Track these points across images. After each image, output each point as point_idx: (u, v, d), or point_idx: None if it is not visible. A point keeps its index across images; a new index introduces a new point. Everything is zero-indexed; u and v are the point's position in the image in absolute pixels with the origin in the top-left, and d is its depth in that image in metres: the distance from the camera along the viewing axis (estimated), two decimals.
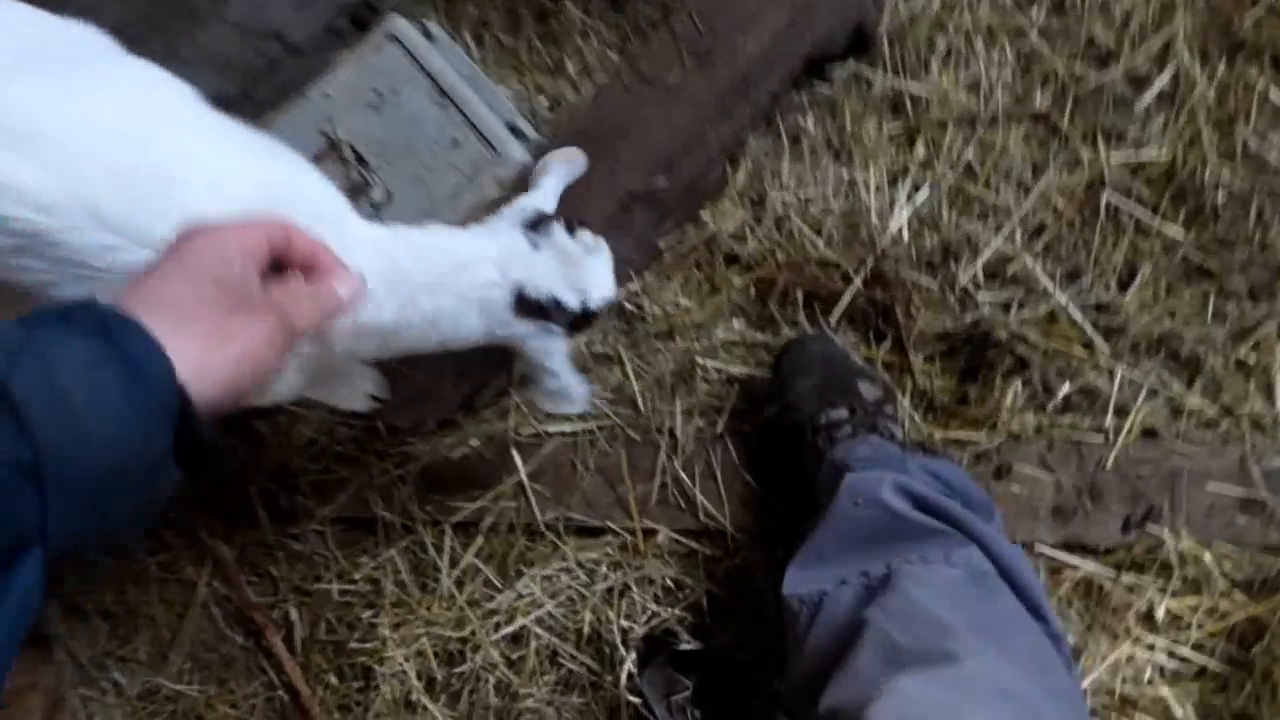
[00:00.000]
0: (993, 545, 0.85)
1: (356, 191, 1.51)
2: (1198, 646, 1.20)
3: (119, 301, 0.53)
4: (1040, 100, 1.44)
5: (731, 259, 1.45)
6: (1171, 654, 1.20)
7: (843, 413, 1.20)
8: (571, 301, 1.04)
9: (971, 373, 1.33)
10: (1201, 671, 1.20)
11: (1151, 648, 1.20)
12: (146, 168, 0.80)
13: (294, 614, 1.58)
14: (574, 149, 1.26)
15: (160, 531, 1.64)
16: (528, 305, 1.02)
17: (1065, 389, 1.26)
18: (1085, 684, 1.19)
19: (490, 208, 1.44)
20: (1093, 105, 1.42)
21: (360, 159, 1.51)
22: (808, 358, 1.26)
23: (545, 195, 1.17)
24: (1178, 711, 1.18)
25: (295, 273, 0.65)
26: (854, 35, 1.40)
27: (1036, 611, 0.81)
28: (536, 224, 1.06)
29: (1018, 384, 1.28)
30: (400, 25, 1.53)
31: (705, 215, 1.46)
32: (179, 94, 0.92)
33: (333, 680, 1.56)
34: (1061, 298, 1.29)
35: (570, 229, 1.07)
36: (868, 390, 1.24)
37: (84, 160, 0.76)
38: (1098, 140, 1.39)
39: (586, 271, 1.05)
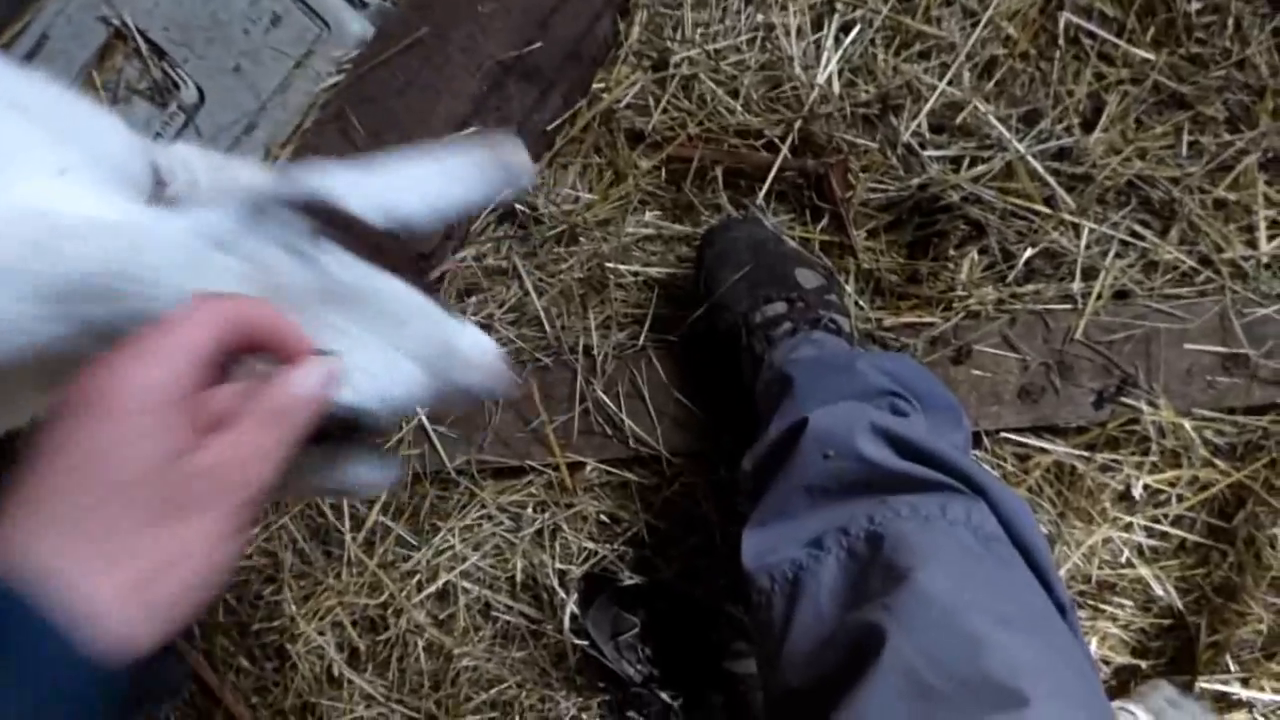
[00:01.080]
0: (995, 496, 0.70)
1: (161, 92, 1.21)
2: (1177, 521, 1.11)
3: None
4: None
5: (635, 136, 1.22)
6: (1150, 532, 1.11)
7: (780, 307, 1.02)
8: None
9: (921, 245, 1.16)
10: (1181, 545, 1.11)
11: (1129, 528, 1.11)
12: None
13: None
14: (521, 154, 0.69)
15: None
16: None
17: (1027, 253, 1.10)
18: (1061, 573, 1.10)
19: (329, 97, 1.17)
20: None
21: (158, 50, 1.20)
22: (734, 246, 1.06)
23: (366, 185, 0.61)
24: (1158, 590, 1.11)
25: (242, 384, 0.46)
26: None
27: (1044, 578, 0.67)
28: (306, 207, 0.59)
29: (974, 253, 1.11)
30: None
31: (597, 85, 1.21)
32: None
33: (244, 664, 1.40)
34: (1019, 146, 1.11)
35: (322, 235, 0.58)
36: (806, 277, 1.06)
37: None
38: None
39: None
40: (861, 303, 1.15)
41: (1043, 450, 1.11)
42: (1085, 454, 1.10)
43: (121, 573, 0.39)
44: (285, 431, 0.45)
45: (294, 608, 1.31)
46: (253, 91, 1.17)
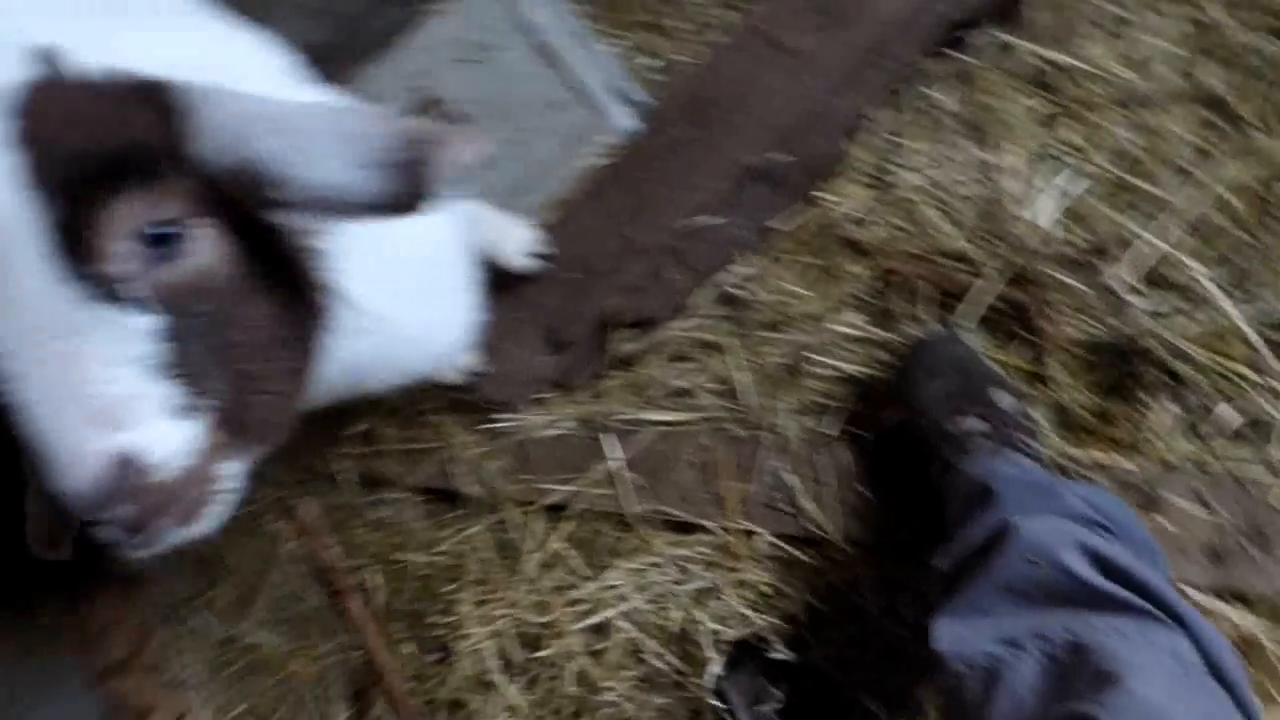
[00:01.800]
0: (1197, 630, 0.75)
1: None
2: None
3: None
4: (1212, 78, 1.27)
5: (850, 245, 1.34)
6: None
7: (976, 422, 1.10)
8: None
9: (1118, 389, 1.20)
10: None
11: None
12: None
13: (375, 580, 1.56)
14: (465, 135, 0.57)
15: (253, 476, 1.64)
16: None
17: (1229, 416, 1.13)
18: None
19: (592, 175, 1.36)
20: (1273, 85, 1.25)
21: (457, 119, 1.42)
22: (937, 359, 1.15)
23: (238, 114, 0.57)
24: None
25: None
26: (1001, 1, 1.25)
27: (1246, 713, 0.71)
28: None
29: (1172, 405, 1.15)
30: None
31: (823, 195, 1.34)
32: None
33: (410, 649, 1.55)
34: (1231, 310, 1.15)
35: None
36: (1004, 399, 1.13)
37: None
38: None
39: None
40: (1050, 433, 1.20)
41: (1227, 618, 1.11)
42: (1272, 626, 1.09)
43: None
44: None
45: (469, 608, 1.46)
46: (528, 163, 1.38)
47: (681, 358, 1.38)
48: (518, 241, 1.28)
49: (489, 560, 1.47)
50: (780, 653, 1.29)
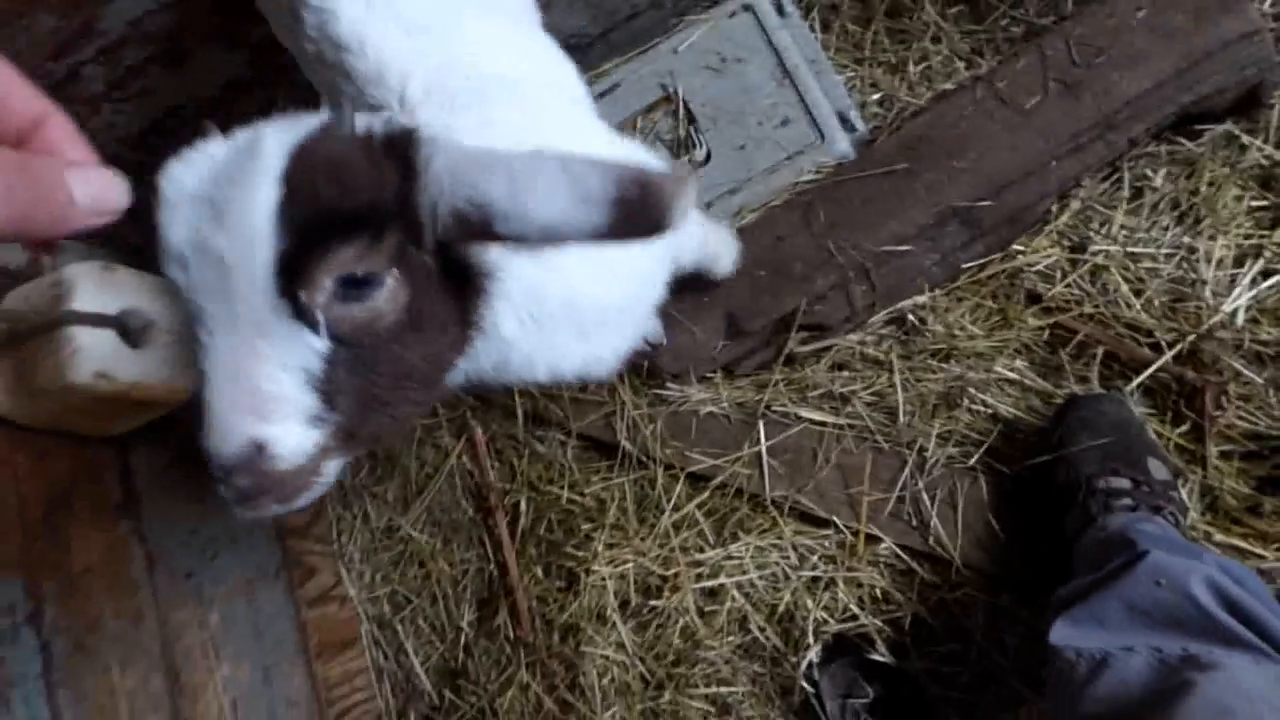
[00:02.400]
0: None
1: (681, 146, 1.61)
2: None
3: None
4: None
5: (1032, 298, 1.41)
6: None
7: (1125, 483, 1.15)
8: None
9: (1273, 483, 1.22)
10: None
11: None
12: None
13: (523, 505, 1.76)
14: (679, 179, 0.62)
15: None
16: None
17: None
18: None
19: (795, 190, 1.49)
20: None
21: (691, 117, 1.60)
22: (1099, 418, 1.21)
23: (468, 155, 0.65)
24: None
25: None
26: (1244, 96, 1.29)
27: None
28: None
29: None
30: None
31: (1016, 246, 1.42)
32: None
33: (539, 573, 1.73)
34: None
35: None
36: (1156, 468, 1.18)
37: None
38: None
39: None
40: (1196, 512, 1.23)
41: None
42: None
43: None
44: (15, 204, 0.38)
45: (601, 548, 1.62)
46: (747, 167, 1.53)
47: (844, 367, 1.49)
48: (729, 256, 1.42)
49: (628, 510, 1.63)
50: (880, 654, 1.38)
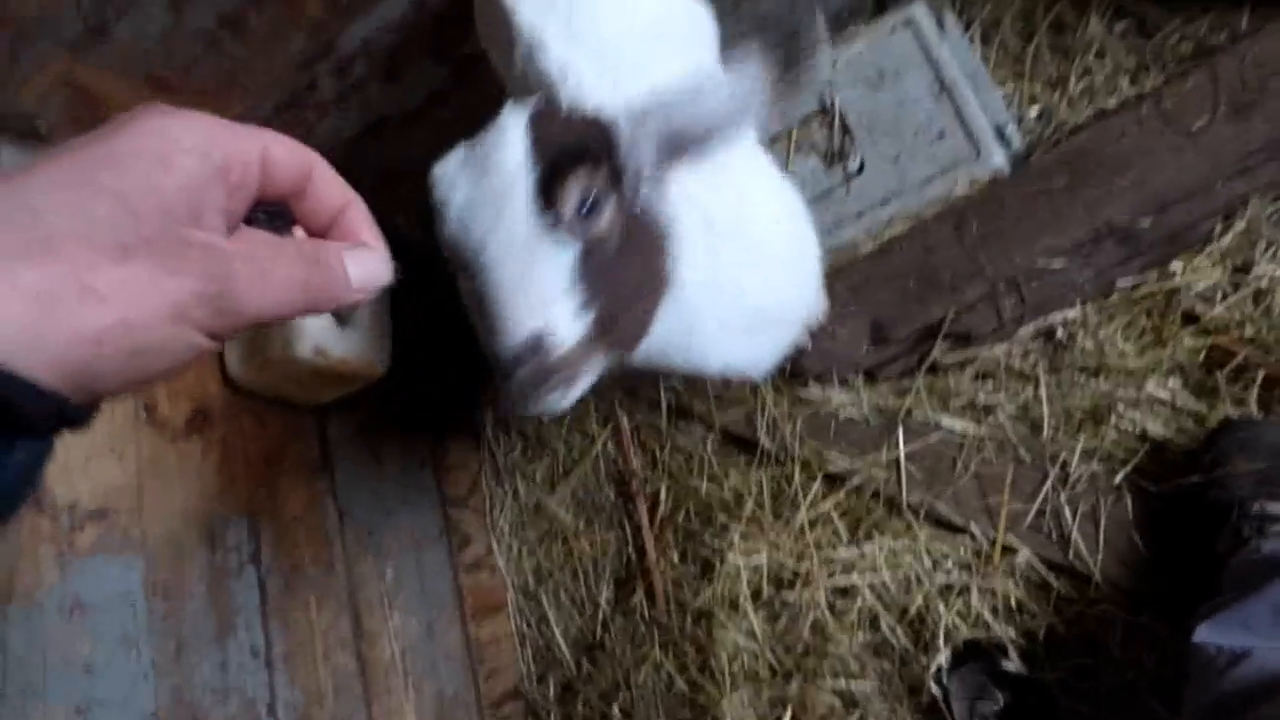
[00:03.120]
0: None
1: (834, 156, 1.68)
2: None
3: None
4: None
5: (1190, 318, 1.39)
6: None
7: (1279, 508, 1.14)
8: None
9: None
10: None
11: None
12: None
13: (663, 493, 1.88)
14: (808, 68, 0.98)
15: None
16: None
17: None
18: None
19: (948, 203, 1.53)
20: None
21: (846, 128, 1.66)
22: (1257, 442, 1.20)
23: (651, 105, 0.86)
24: None
25: (295, 229, 0.48)
26: None
27: None
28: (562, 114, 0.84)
29: None
30: (919, 12, 1.64)
31: (1175, 266, 1.41)
32: None
33: (675, 558, 1.84)
34: None
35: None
36: None
37: None
38: None
39: None
40: None
41: None
42: None
43: (46, 282, 0.33)
44: (309, 291, 0.42)
45: (736, 538, 1.71)
46: (900, 179, 1.58)
47: (989, 377, 1.52)
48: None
49: (764, 505, 1.72)
50: (1011, 663, 1.40)
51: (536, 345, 0.75)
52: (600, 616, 1.94)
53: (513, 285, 0.76)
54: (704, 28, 1.24)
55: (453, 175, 0.81)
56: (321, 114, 1.55)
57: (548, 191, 0.77)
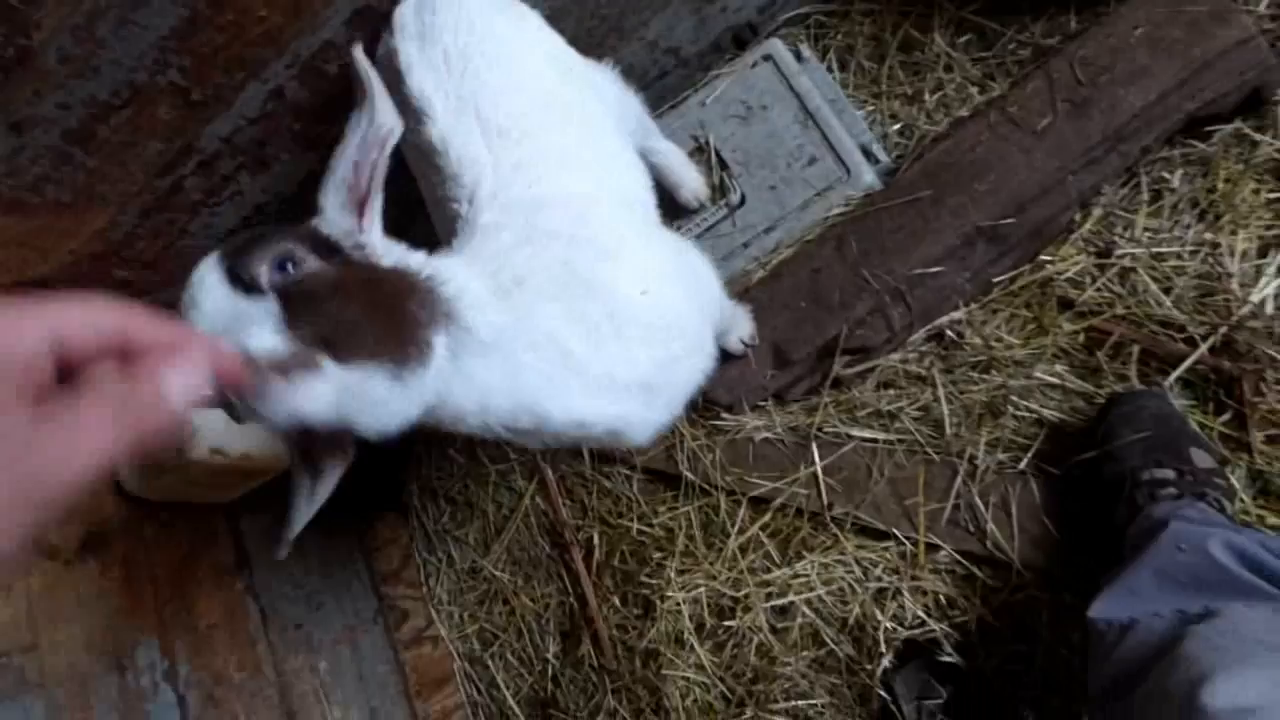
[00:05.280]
0: None
1: (715, 191, 1.72)
2: None
3: None
4: None
5: (1065, 304, 1.47)
6: None
7: (1169, 473, 1.21)
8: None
9: None
10: None
11: None
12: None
13: (596, 539, 1.87)
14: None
15: (508, 442, 2.00)
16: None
17: None
18: None
19: (827, 223, 1.59)
20: None
21: (724, 164, 1.71)
22: (1140, 412, 1.27)
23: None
24: None
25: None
26: (1247, 97, 1.35)
27: None
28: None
29: None
30: (776, 47, 1.71)
31: (1045, 257, 1.49)
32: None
33: (617, 602, 1.83)
34: None
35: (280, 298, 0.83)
36: (1200, 457, 1.23)
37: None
38: None
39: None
40: (1245, 497, 1.28)
41: None
42: None
43: None
44: (129, 432, 0.41)
45: (672, 574, 1.71)
46: (780, 206, 1.63)
47: (890, 385, 1.57)
48: (740, 331, 1.54)
49: (695, 537, 1.73)
50: (949, 656, 1.44)
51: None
52: (550, 672, 1.91)
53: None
54: (613, 105, 1.29)
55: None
56: (193, 213, 1.51)
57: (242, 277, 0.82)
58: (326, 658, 1.78)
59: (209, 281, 0.83)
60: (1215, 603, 0.90)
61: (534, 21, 1.29)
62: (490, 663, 1.98)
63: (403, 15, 1.23)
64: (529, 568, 1.99)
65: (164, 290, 1.68)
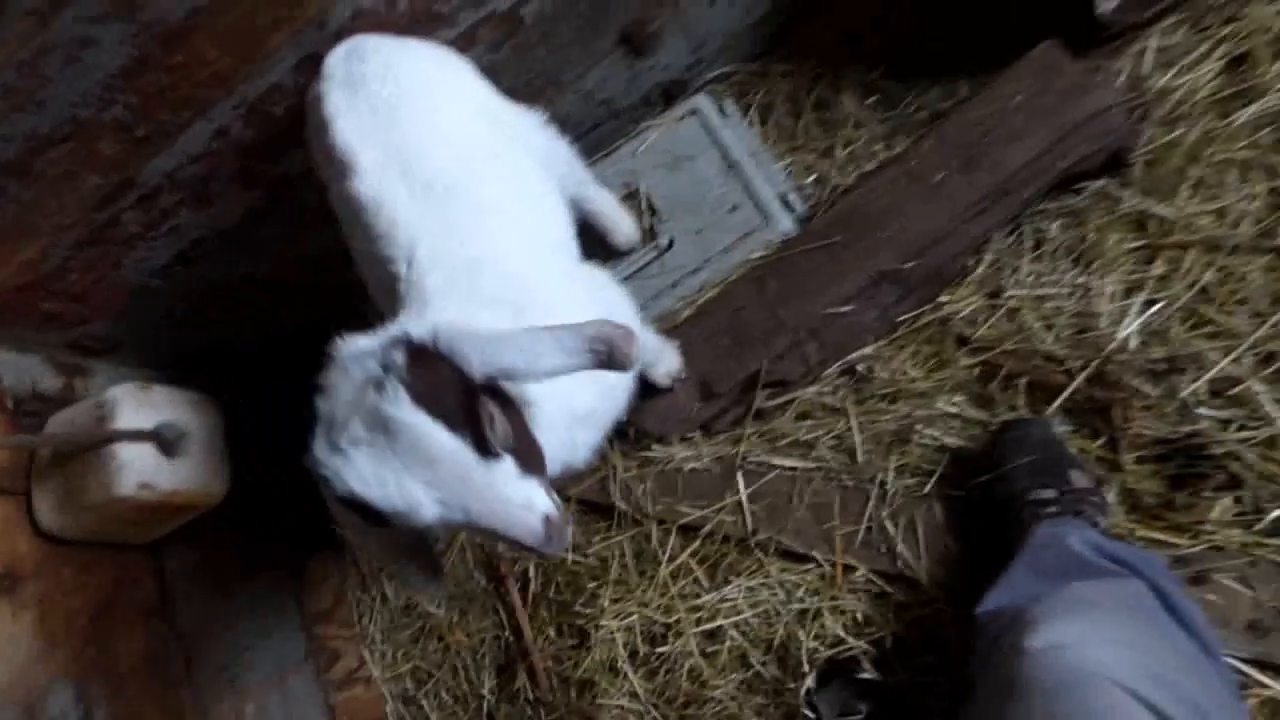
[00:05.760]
0: (1169, 592, 1.01)
1: (645, 234, 1.82)
2: None
3: None
4: None
5: (962, 341, 1.62)
6: None
7: (1051, 493, 1.34)
8: (315, 458, 0.87)
9: (1180, 481, 1.41)
10: None
11: None
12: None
13: (531, 571, 1.90)
14: (628, 333, 0.93)
15: None
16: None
17: (1276, 513, 1.33)
18: None
19: (748, 266, 1.71)
20: None
21: (653, 209, 1.82)
22: (1027, 438, 1.41)
23: (486, 344, 0.91)
24: None
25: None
26: (1110, 158, 1.53)
27: (1208, 651, 0.96)
28: (420, 355, 0.88)
29: (1228, 499, 1.36)
30: (702, 102, 1.84)
31: (944, 298, 1.64)
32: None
33: (552, 634, 1.87)
34: None
35: (417, 394, 0.84)
36: (1078, 478, 1.37)
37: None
38: None
39: (347, 443, 0.84)
40: (1120, 513, 1.42)
41: (1262, 684, 1.29)
42: None
43: None
44: None
45: (607, 604, 1.76)
46: (705, 249, 1.75)
47: (808, 416, 1.68)
48: (667, 366, 1.64)
49: (628, 565, 1.79)
50: (868, 673, 1.53)
51: (549, 522, 0.86)
52: (485, 709, 1.92)
53: (504, 511, 0.84)
54: (541, 152, 1.37)
55: (359, 466, 0.82)
56: (129, 247, 1.52)
57: (476, 441, 0.85)
58: (254, 700, 1.75)
59: (432, 445, 0.82)
60: (1066, 581, 1.04)
61: (463, 72, 1.35)
62: (424, 702, 1.97)
63: (332, 62, 1.26)
64: (464, 602, 2.00)
65: (90, 323, 1.67)
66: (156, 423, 1.55)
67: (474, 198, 1.14)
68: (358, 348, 0.90)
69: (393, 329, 0.92)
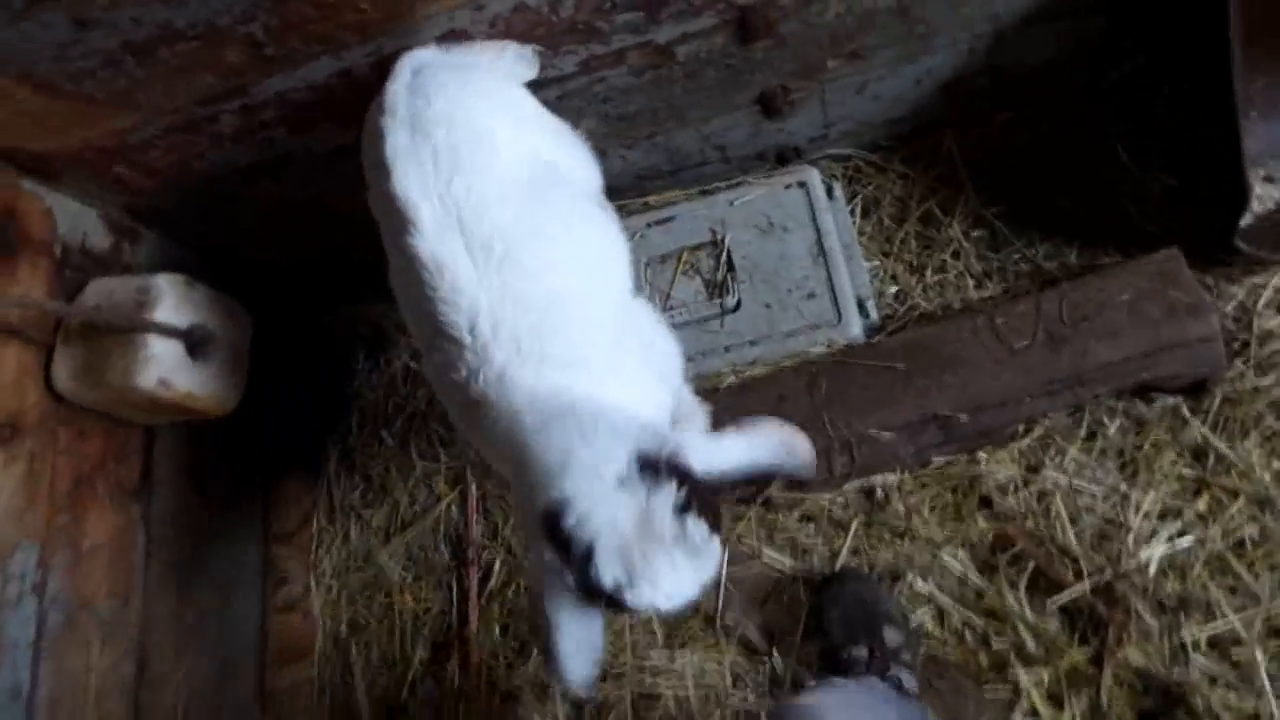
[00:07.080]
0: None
1: (715, 288, 1.80)
2: None
3: None
4: None
5: (985, 502, 1.60)
6: None
7: (863, 652, 1.39)
8: (609, 578, 0.89)
9: (1154, 717, 1.41)
10: None
11: None
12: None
13: (497, 566, 1.90)
14: (806, 444, 1.19)
15: (443, 443, 2.03)
16: (557, 534, 0.92)
17: None
18: None
19: (804, 358, 1.69)
20: None
21: (731, 265, 1.79)
22: (842, 594, 1.47)
23: (706, 449, 1.03)
24: None
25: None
26: (1195, 383, 1.50)
27: None
28: (654, 467, 0.94)
29: None
30: (813, 177, 1.80)
31: (982, 454, 1.62)
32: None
33: (496, 632, 1.87)
34: (1275, 706, 1.34)
35: (686, 506, 0.91)
36: (890, 636, 1.42)
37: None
38: None
39: (656, 561, 0.89)
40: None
41: None
42: None
43: None
44: None
45: None
46: (770, 325, 1.72)
47: (812, 520, 1.67)
48: (696, 427, 1.60)
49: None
50: None
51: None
52: (410, 678, 1.93)
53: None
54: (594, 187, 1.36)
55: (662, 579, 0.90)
56: (217, 145, 1.50)
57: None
58: (195, 605, 1.76)
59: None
60: None
61: (524, 104, 1.29)
62: (353, 650, 1.98)
63: (394, 95, 1.17)
64: (422, 569, 2.01)
65: (154, 196, 1.65)
66: (190, 323, 1.54)
67: (532, 258, 1.11)
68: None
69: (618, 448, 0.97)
